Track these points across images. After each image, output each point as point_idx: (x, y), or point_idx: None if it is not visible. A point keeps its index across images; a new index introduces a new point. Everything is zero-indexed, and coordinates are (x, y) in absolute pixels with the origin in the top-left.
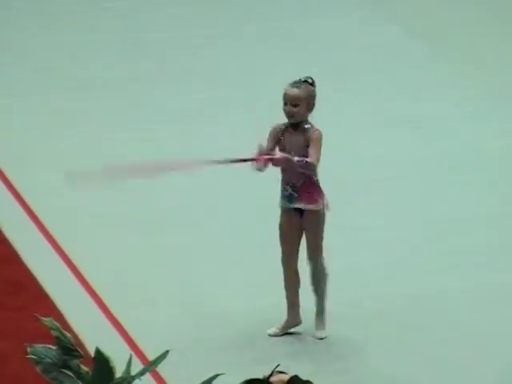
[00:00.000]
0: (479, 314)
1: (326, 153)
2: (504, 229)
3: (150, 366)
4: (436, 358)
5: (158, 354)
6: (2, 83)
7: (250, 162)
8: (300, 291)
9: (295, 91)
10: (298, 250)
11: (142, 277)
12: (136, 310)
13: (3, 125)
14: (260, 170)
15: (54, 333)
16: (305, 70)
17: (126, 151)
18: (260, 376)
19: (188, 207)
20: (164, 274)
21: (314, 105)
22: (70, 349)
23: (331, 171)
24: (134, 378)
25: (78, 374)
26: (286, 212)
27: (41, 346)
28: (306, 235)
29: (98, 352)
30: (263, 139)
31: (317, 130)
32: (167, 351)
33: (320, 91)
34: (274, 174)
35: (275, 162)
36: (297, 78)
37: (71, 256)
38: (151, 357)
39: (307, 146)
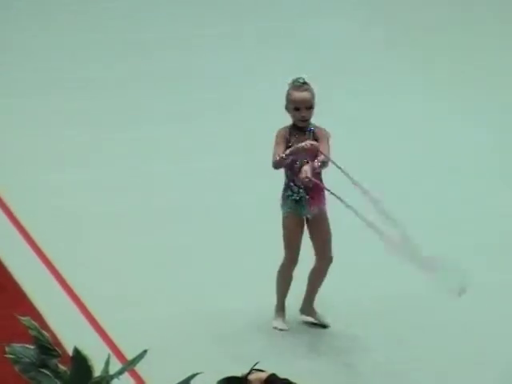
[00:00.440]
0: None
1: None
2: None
3: (129, 366)
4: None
5: (137, 353)
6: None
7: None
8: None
9: (306, 95)
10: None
11: (121, 276)
12: (115, 310)
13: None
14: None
15: (32, 332)
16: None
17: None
18: (239, 374)
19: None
20: (144, 274)
21: None
22: (48, 348)
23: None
24: (112, 377)
25: (56, 374)
26: (294, 218)
27: (19, 345)
28: (318, 235)
29: (77, 351)
30: (273, 143)
31: (323, 128)
32: (145, 351)
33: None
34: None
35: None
36: (289, 80)
37: (50, 257)
38: (130, 356)
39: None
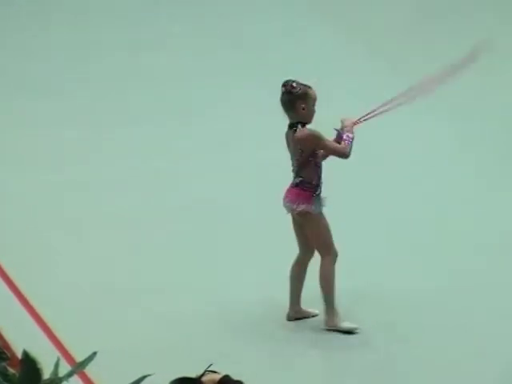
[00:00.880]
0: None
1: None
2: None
3: (78, 368)
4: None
5: (86, 355)
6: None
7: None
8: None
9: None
10: None
11: (70, 279)
12: (64, 313)
13: None
14: None
15: None
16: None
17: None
18: (193, 375)
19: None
20: (94, 277)
21: None
22: None
23: None
24: (61, 379)
25: (5, 377)
26: (324, 215)
27: None
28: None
29: (26, 354)
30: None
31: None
32: (95, 353)
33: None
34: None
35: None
36: (288, 81)
37: None
38: (80, 359)
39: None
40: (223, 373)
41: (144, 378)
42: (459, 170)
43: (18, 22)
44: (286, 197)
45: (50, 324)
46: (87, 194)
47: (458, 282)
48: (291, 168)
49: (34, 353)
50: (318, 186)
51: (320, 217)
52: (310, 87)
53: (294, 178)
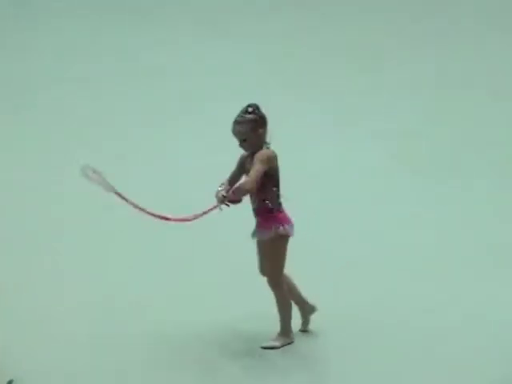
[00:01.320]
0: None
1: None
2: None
3: None
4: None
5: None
6: None
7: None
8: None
9: (239, 129)
10: None
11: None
12: None
13: None
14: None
15: None
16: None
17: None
18: None
19: None
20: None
21: None
22: None
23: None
24: None
25: None
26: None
27: None
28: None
29: None
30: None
31: (264, 151)
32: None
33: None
34: None
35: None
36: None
37: None
38: None
39: None
40: None
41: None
42: (392, 188)
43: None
44: None
45: None
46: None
47: (390, 299)
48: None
49: None
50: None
51: (283, 238)
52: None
53: None
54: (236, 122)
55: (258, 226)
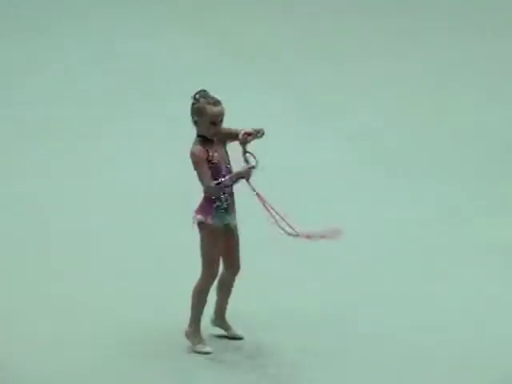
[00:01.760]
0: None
1: None
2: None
3: None
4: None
5: None
6: None
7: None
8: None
9: (222, 109)
10: None
11: None
12: None
13: None
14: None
15: None
16: None
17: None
18: None
19: None
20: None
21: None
22: None
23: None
24: None
25: None
26: (219, 230)
27: None
28: (233, 244)
29: None
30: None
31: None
32: None
33: None
34: None
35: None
36: (196, 95)
37: None
38: None
39: None
40: None
41: None
42: (366, 187)
43: None
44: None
45: None
46: None
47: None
48: None
49: None
50: (217, 198)
51: (212, 232)
52: (212, 103)
53: None
54: (218, 102)
55: (232, 209)
